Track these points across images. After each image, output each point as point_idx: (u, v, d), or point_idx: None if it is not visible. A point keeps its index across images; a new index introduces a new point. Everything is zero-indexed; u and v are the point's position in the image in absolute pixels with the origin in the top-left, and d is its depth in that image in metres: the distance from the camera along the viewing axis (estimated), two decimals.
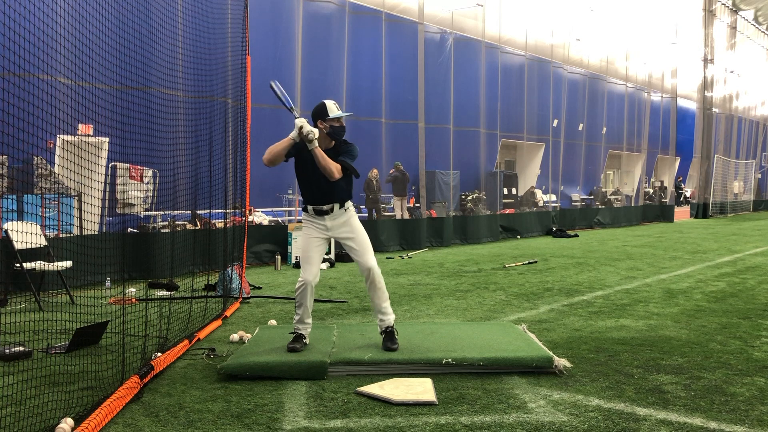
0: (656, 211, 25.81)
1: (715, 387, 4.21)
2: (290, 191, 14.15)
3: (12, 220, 7.62)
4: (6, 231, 7.16)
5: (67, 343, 5.18)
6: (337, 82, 14.17)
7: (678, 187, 32.33)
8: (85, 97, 4.45)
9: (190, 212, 10.23)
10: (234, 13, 8.11)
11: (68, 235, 8.28)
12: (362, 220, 5.25)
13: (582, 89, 22.61)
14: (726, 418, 3.65)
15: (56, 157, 7.52)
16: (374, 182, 15.25)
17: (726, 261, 11.52)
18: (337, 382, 4.34)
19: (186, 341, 5.24)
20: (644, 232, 19.34)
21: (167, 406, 3.89)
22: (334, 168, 4.78)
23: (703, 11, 28.47)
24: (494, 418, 3.67)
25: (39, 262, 7.28)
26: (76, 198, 7.72)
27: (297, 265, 11.02)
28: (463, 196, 17.94)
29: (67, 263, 7.31)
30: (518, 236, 17.56)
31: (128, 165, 8.20)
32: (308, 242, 4.97)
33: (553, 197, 21.29)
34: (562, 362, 4.56)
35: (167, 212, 9.78)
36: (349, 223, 4.97)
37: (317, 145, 4.75)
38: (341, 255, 11.64)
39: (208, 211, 8.80)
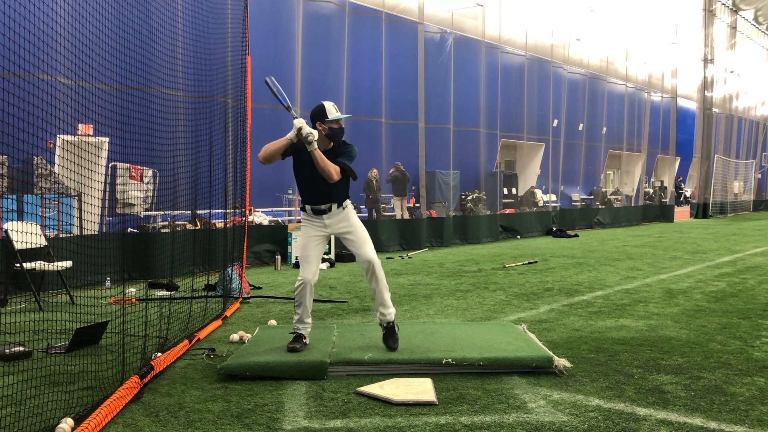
0: (656, 211, 25.81)
1: (715, 387, 4.21)
2: (290, 191, 14.15)
3: (12, 220, 7.62)
4: (6, 231, 7.16)
5: (67, 343, 5.18)
6: (337, 82, 14.17)
7: (678, 187, 32.34)
8: (85, 97, 4.45)
9: (190, 212, 10.23)
10: (234, 13, 8.11)
11: (68, 235, 8.27)
12: (362, 220, 5.24)
13: (582, 89, 22.61)
14: (726, 418, 3.65)
15: (56, 157, 7.52)
16: (374, 182, 15.25)
17: (726, 261, 11.52)
18: (337, 382, 4.34)
19: (186, 341, 5.24)
20: (644, 232, 19.34)
21: (167, 406, 3.89)
22: (333, 170, 4.77)
23: (703, 11, 28.47)
24: (494, 418, 3.67)
25: (39, 262, 7.28)
26: (76, 198, 7.71)
27: (297, 265, 11.01)
28: (463, 196, 17.94)
29: (67, 263, 7.31)
30: (518, 236, 17.56)
31: (128, 165, 8.20)
32: (307, 241, 4.97)
33: (553, 197, 21.29)
34: (562, 362, 4.56)
35: (167, 212, 9.78)
36: (347, 218, 4.98)
37: (316, 146, 4.75)
38: (341, 255, 11.65)
39: (208, 211, 8.81)
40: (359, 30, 15.09)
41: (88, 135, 5.22)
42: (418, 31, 15.48)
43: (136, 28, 5.65)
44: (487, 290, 8.35)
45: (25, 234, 7.22)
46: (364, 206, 15.40)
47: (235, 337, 5.55)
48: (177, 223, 10.51)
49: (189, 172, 7.52)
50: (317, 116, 4.89)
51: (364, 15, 15.34)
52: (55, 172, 7.97)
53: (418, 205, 16.09)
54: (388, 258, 12.21)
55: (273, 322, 6.24)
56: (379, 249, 12.81)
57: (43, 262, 7.28)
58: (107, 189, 7.88)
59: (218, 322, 6.24)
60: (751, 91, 35.59)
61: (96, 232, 6.66)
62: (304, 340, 4.88)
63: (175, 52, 6.98)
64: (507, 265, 10.90)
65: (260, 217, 13.17)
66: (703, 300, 7.48)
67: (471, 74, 17.53)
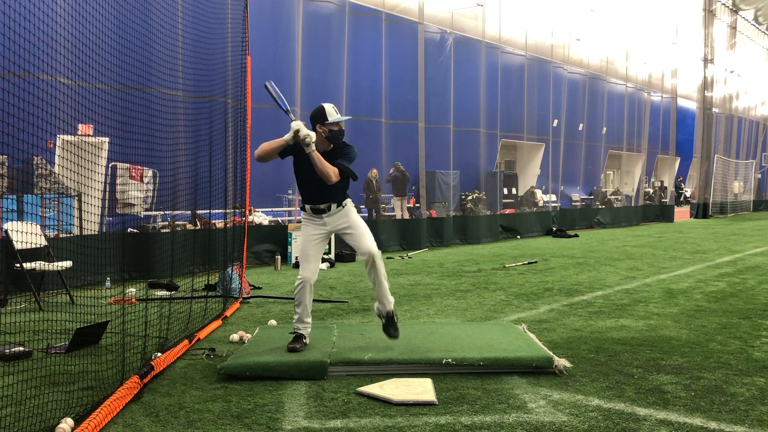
0: (656, 211, 25.81)
1: (715, 387, 4.21)
2: (290, 191, 14.15)
3: (12, 220, 7.61)
4: (6, 231, 7.16)
5: (67, 343, 5.18)
6: (337, 82, 14.17)
7: (678, 187, 32.33)
8: (85, 97, 4.45)
9: (190, 212, 10.23)
10: (234, 13, 8.11)
11: (68, 235, 8.27)
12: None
13: (582, 89, 22.60)
14: (726, 418, 3.65)
15: (56, 157, 7.52)
16: (374, 182, 15.25)
17: (726, 261, 11.52)
18: (337, 382, 4.34)
19: (186, 341, 5.24)
20: (644, 232, 19.34)
21: (167, 406, 3.89)
22: (331, 171, 4.77)
23: (703, 11, 28.47)
24: (494, 418, 3.67)
25: (39, 262, 7.28)
26: (76, 198, 7.71)
27: (297, 265, 11.00)
28: (463, 196, 17.94)
29: (67, 263, 7.31)
30: (518, 236, 17.56)
31: (128, 165, 8.20)
32: (307, 240, 4.98)
33: (553, 197, 21.29)
34: (562, 362, 4.56)
35: (167, 212, 9.78)
36: (346, 215, 4.98)
37: (314, 148, 4.76)
38: (341, 255, 11.65)
39: (208, 211, 8.81)
40: (359, 30, 15.08)
41: (88, 135, 5.22)
42: (418, 31, 15.48)
43: (136, 28, 5.65)
44: (487, 290, 8.35)
45: (25, 234, 7.22)
46: (364, 206, 15.39)
47: (235, 337, 5.55)
48: (177, 223, 10.50)
49: (189, 172, 7.52)
50: (317, 118, 4.88)
51: (364, 15, 15.34)
52: (55, 172, 7.97)
53: (418, 205, 16.09)
54: (388, 258, 12.21)
55: (273, 322, 6.24)
56: (379, 249, 12.80)
57: (43, 262, 7.28)
58: (107, 189, 7.88)
59: (218, 322, 6.24)
60: (751, 91, 35.59)
61: (96, 232, 6.66)
62: (304, 340, 4.88)
63: (175, 52, 6.98)
64: (507, 265, 10.90)
65: (260, 217, 13.17)
66: (703, 300, 7.48)
67: (471, 74, 17.52)
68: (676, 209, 27.09)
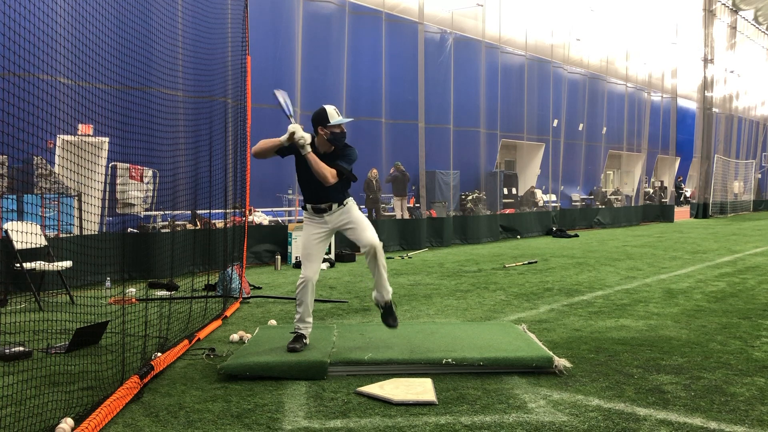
0: (656, 211, 25.81)
1: (715, 387, 4.21)
2: (290, 191, 14.14)
3: (12, 220, 7.61)
4: (6, 231, 7.16)
5: (67, 343, 5.18)
6: (337, 82, 14.17)
7: (678, 187, 32.33)
8: (85, 97, 4.45)
9: (190, 212, 10.23)
10: (234, 13, 8.11)
11: (68, 235, 8.27)
12: None
13: (582, 89, 22.60)
14: (726, 418, 3.65)
15: (56, 157, 7.52)
16: (374, 182, 15.25)
17: (726, 261, 11.52)
18: (337, 382, 4.34)
19: (186, 341, 5.24)
20: (644, 232, 19.34)
21: (167, 406, 3.89)
22: (328, 173, 4.77)
23: (703, 11, 28.47)
24: (494, 418, 3.67)
25: (39, 262, 7.28)
26: (76, 198, 7.71)
27: (297, 265, 11.02)
28: (463, 196, 17.94)
29: (67, 263, 7.31)
30: (518, 236, 17.56)
31: (128, 165, 8.20)
32: (309, 239, 4.98)
33: (553, 197, 21.29)
34: (562, 362, 4.56)
35: (167, 212, 9.78)
36: (347, 212, 4.98)
37: (310, 150, 4.76)
38: (341, 255, 11.65)
39: (208, 211, 8.80)
40: (359, 30, 15.08)
41: (88, 135, 5.22)
42: (418, 31, 15.48)
43: (136, 28, 5.65)
44: (487, 290, 8.35)
45: (25, 234, 7.22)
46: (364, 206, 15.39)
47: (235, 337, 5.55)
48: (177, 223, 10.50)
49: (189, 172, 7.52)
50: (319, 120, 4.87)
51: (364, 15, 15.34)
52: (55, 172, 7.97)
53: (418, 205, 16.09)
54: (388, 258, 12.20)
55: (273, 322, 6.24)
56: None
57: (43, 262, 7.28)
58: (107, 189, 7.88)
59: (218, 322, 6.24)
60: (751, 91, 35.58)
61: (96, 232, 6.67)
62: (305, 340, 4.88)
63: (175, 52, 6.98)
64: (507, 265, 10.90)
65: (260, 217, 13.17)
66: (703, 300, 7.48)
67: (471, 74, 17.52)
68: (676, 209, 27.09)
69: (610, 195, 26.11)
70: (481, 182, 18.19)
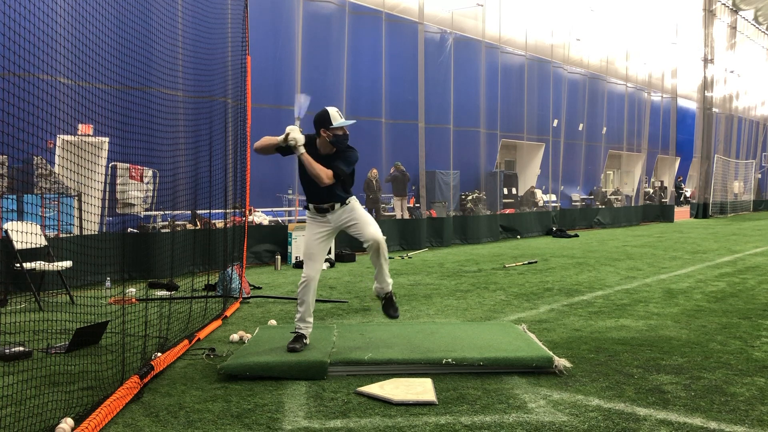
0: (656, 211, 25.81)
1: (715, 387, 4.21)
2: (290, 191, 14.14)
3: (12, 220, 7.61)
4: (6, 231, 7.15)
5: (67, 343, 5.18)
6: (337, 82, 14.17)
7: (678, 187, 32.33)
8: (85, 97, 4.45)
9: (190, 212, 10.23)
10: (234, 13, 8.11)
11: (68, 235, 8.27)
12: None
13: (582, 89, 22.60)
14: (726, 418, 3.65)
15: (56, 157, 7.52)
16: (374, 182, 15.25)
17: (726, 261, 11.52)
18: (337, 382, 4.34)
19: (186, 341, 5.24)
20: (644, 232, 19.34)
21: (167, 406, 3.89)
22: (323, 174, 4.78)
23: (703, 11, 28.47)
24: (494, 418, 3.67)
25: (39, 262, 7.28)
26: (76, 198, 7.71)
27: (297, 265, 11.02)
28: (463, 196, 17.94)
29: (67, 263, 7.31)
30: (518, 236, 17.56)
31: (128, 165, 8.20)
32: (311, 239, 4.99)
33: (553, 197, 21.29)
34: (562, 362, 4.56)
35: (167, 212, 9.77)
36: (349, 210, 4.98)
37: (303, 151, 4.77)
38: (341, 255, 11.64)
39: (208, 211, 8.80)
40: (359, 30, 15.08)
41: (88, 135, 5.22)
42: (418, 31, 15.48)
43: (136, 28, 5.64)
44: (487, 290, 8.35)
45: (25, 234, 7.22)
46: (364, 206, 15.34)
47: (235, 337, 5.55)
48: (177, 223, 10.50)
49: (189, 172, 7.52)
50: (321, 122, 4.85)
51: (364, 15, 15.33)
52: (55, 172, 7.97)
53: (418, 205, 16.09)
54: (388, 257, 12.20)
55: (273, 322, 6.24)
56: None
57: (43, 262, 7.28)
58: (107, 189, 7.88)
59: (218, 322, 6.24)
60: (751, 91, 35.58)
61: (96, 232, 6.66)
62: (305, 341, 4.88)
63: (175, 52, 6.98)
64: (507, 265, 10.90)
65: (260, 217, 13.17)
66: (703, 300, 7.48)
67: (471, 74, 17.52)
68: (676, 209, 27.09)
69: (610, 195, 26.11)
70: (481, 182, 18.19)
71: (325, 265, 10.66)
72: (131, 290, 8.01)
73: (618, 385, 4.25)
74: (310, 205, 5.01)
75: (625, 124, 25.05)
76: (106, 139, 5.93)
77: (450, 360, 4.53)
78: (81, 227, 8.20)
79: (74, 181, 4.66)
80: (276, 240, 11.70)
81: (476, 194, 17.98)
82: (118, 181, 8.46)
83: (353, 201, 5.02)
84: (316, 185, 4.90)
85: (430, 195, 16.17)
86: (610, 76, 24.18)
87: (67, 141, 4.76)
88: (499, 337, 5.18)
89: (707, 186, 28.62)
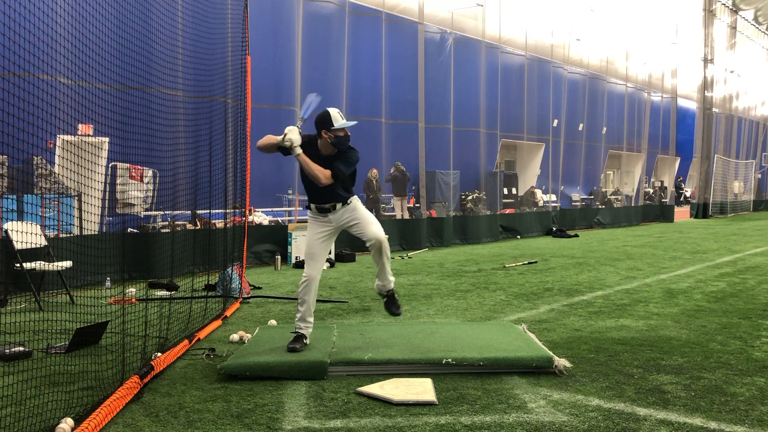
0: (656, 211, 25.81)
1: (715, 387, 4.21)
2: (290, 191, 14.14)
3: (12, 220, 7.61)
4: (6, 231, 7.16)
5: (67, 343, 5.18)
6: (337, 82, 14.17)
7: (678, 187, 32.32)
8: (85, 97, 4.45)
9: (190, 212, 10.23)
10: (234, 13, 8.11)
11: (68, 235, 8.27)
12: None
13: (582, 89, 22.60)
14: (726, 418, 3.65)
15: (56, 157, 7.52)
16: (374, 182, 15.25)
17: (726, 261, 11.52)
18: (337, 382, 4.34)
19: (186, 341, 5.24)
20: (644, 232, 19.34)
21: (167, 406, 3.89)
22: (321, 174, 4.78)
23: (703, 11, 28.47)
24: (494, 418, 3.67)
25: (39, 262, 7.28)
26: (76, 198, 7.71)
27: (297, 265, 11.02)
28: (463, 196, 17.94)
29: (67, 263, 7.31)
30: (518, 236, 17.56)
31: (128, 165, 8.20)
32: (312, 238, 4.98)
33: (553, 197, 21.29)
34: (562, 362, 4.56)
35: (167, 212, 9.77)
36: (351, 210, 4.97)
37: (299, 152, 4.77)
38: (341, 255, 11.64)
39: (208, 211, 8.80)
40: (359, 30, 15.08)
41: (88, 135, 5.22)
42: (418, 31, 15.48)
43: (136, 28, 5.64)
44: (487, 290, 8.35)
45: (25, 234, 7.22)
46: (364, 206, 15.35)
47: (235, 337, 5.55)
48: (177, 223, 10.50)
49: (189, 172, 7.52)
50: (323, 124, 4.85)
51: (364, 15, 15.34)
52: (55, 172, 7.97)
53: (418, 205, 16.09)
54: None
55: (273, 322, 6.24)
56: None
57: (43, 262, 7.28)
58: (107, 189, 7.88)
59: (218, 322, 6.24)
60: (751, 91, 35.58)
61: (96, 232, 6.66)
62: (305, 341, 4.88)
63: (175, 52, 6.98)
64: (507, 265, 10.90)
65: (260, 217, 13.16)
66: (703, 300, 7.48)
67: (471, 74, 17.52)
68: (676, 209, 27.09)
69: (610, 195, 26.11)
70: (481, 182, 18.19)
71: (325, 265, 10.65)
72: (131, 290, 8.01)
73: (618, 385, 4.25)
74: (312, 205, 5.01)
75: (625, 124, 25.05)
76: (106, 139, 5.93)
77: (450, 360, 4.53)
78: (81, 227, 8.20)
79: (74, 181, 4.66)
80: (276, 240, 11.70)
81: (476, 194, 17.98)
82: (118, 181, 8.46)
83: (355, 201, 5.02)
84: (317, 185, 4.90)
85: (430, 195, 16.17)
86: (610, 76, 24.18)
87: (67, 141, 4.76)
88: (499, 337, 5.18)
89: (707, 186, 28.63)
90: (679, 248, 13.94)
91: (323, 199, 4.94)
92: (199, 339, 5.52)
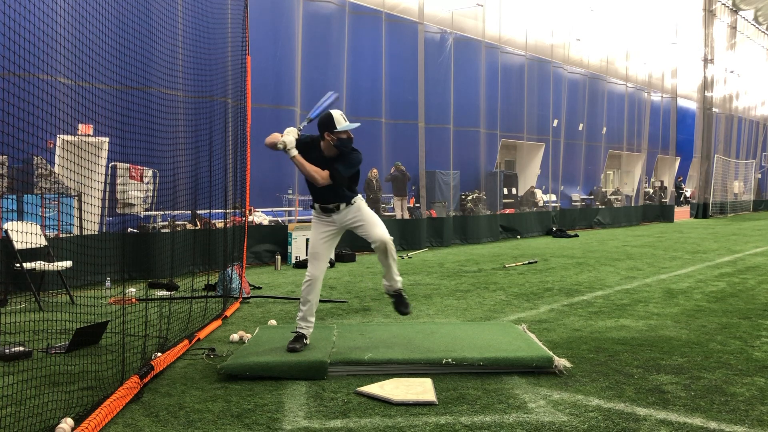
0: (656, 211, 25.81)
1: (715, 387, 4.21)
2: (290, 191, 14.15)
3: (12, 220, 7.61)
4: (6, 231, 7.16)
5: (67, 343, 5.18)
6: (337, 82, 14.17)
7: (678, 187, 32.33)
8: (85, 97, 4.45)
9: (190, 212, 10.23)
10: (234, 13, 8.11)
11: (68, 235, 8.27)
12: None
13: (582, 89, 22.60)
14: (726, 418, 3.65)
15: (56, 157, 7.52)
16: (374, 182, 15.25)
17: (726, 261, 11.52)
18: (337, 382, 4.34)
19: (186, 341, 5.24)
20: (644, 232, 19.34)
21: (167, 406, 3.89)
22: (318, 175, 4.78)
23: (703, 11, 28.47)
24: (494, 418, 3.67)
25: (39, 262, 7.28)
26: (76, 198, 7.72)
27: (297, 265, 11.02)
28: (463, 196, 17.94)
29: (67, 263, 7.31)
30: (518, 236, 17.56)
31: (128, 165, 8.20)
32: (316, 238, 4.99)
33: (553, 197, 21.29)
34: (562, 362, 4.56)
35: (167, 212, 9.77)
36: (355, 210, 4.96)
37: (295, 154, 4.77)
38: (341, 255, 11.64)
39: (208, 211, 8.80)
40: (359, 30, 15.09)
41: (88, 135, 5.22)
42: (418, 31, 15.48)
43: (136, 28, 5.65)
44: (487, 290, 8.35)
45: (25, 234, 7.22)
46: None
47: (235, 337, 5.55)
48: (177, 223, 10.50)
49: (189, 172, 7.52)
50: (326, 126, 4.84)
51: (364, 15, 15.34)
52: (55, 172, 7.97)
53: (418, 205, 16.09)
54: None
55: (273, 322, 6.24)
56: None
57: (43, 262, 7.28)
58: (107, 189, 7.88)
59: (218, 322, 6.24)
60: (751, 91, 35.58)
61: (96, 232, 6.67)
62: (305, 341, 4.88)
63: (175, 52, 6.98)
64: (507, 265, 10.90)
65: (260, 217, 13.17)
66: (703, 300, 7.48)
67: (471, 74, 17.52)
68: (676, 209, 27.09)
69: (610, 195, 26.11)
70: (481, 182, 18.19)
71: None
72: (131, 290, 8.01)
73: (618, 385, 4.25)
74: (316, 205, 5.01)
75: (625, 124, 25.05)
76: (106, 139, 5.93)
77: (450, 360, 4.53)
78: (81, 227, 8.20)
79: (74, 181, 4.66)
80: (276, 240, 11.70)
81: (476, 194, 17.98)
82: (118, 181, 8.46)
83: (359, 201, 5.01)
84: (320, 186, 4.90)
85: (430, 195, 16.17)
86: (610, 76, 24.19)
87: (67, 141, 4.76)
88: (499, 337, 5.18)
89: (707, 186, 28.63)
90: (679, 248, 13.94)
91: (327, 199, 4.94)
92: (199, 339, 5.52)
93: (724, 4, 30.16)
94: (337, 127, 4.81)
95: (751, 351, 5.14)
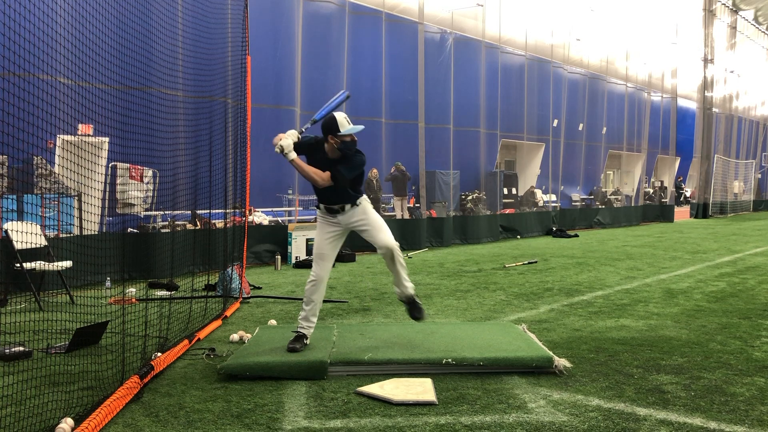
0: (656, 211, 25.82)
1: (715, 387, 4.21)
2: (290, 191, 14.14)
3: (12, 220, 7.61)
4: (6, 231, 7.16)
5: (67, 343, 5.18)
6: (337, 82, 14.17)
7: (678, 187, 32.33)
8: (85, 97, 4.45)
9: (190, 212, 10.23)
10: (234, 13, 8.11)
11: (68, 235, 8.27)
12: None
13: (582, 89, 22.60)
14: (726, 418, 3.65)
15: (56, 157, 7.52)
16: (374, 182, 15.26)
17: (726, 261, 11.52)
18: (337, 382, 4.34)
19: (186, 341, 5.24)
20: (644, 232, 19.34)
21: (167, 406, 3.89)
22: (317, 177, 4.79)
23: (703, 11, 28.47)
24: (494, 418, 3.67)
25: (39, 262, 7.28)
26: (76, 198, 7.72)
27: (297, 266, 11.03)
28: (463, 196, 17.94)
29: (67, 263, 7.31)
30: (518, 236, 17.56)
31: (128, 165, 8.20)
32: (321, 239, 4.98)
33: (553, 197, 21.29)
34: (562, 362, 4.56)
35: (167, 212, 9.78)
36: (360, 212, 4.96)
37: (294, 157, 4.77)
38: (341, 255, 11.63)
39: (208, 211, 8.80)
40: (359, 30, 15.09)
41: (88, 135, 5.22)
42: (418, 31, 15.48)
43: (136, 28, 5.65)
44: (487, 290, 8.35)
45: (25, 234, 7.22)
46: None
47: (235, 337, 5.55)
48: (177, 223, 10.51)
49: (189, 172, 7.52)
50: (329, 129, 4.84)
51: (364, 15, 15.34)
52: (55, 172, 7.97)
53: (418, 205, 16.09)
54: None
55: (273, 322, 6.24)
56: None
57: (43, 262, 7.28)
58: (107, 189, 7.88)
59: (218, 322, 6.24)
60: (751, 91, 35.59)
61: (96, 232, 6.67)
62: (305, 341, 4.88)
63: (175, 52, 6.98)
64: (507, 265, 10.90)
65: (260, 217, 13.17)
66: (703, 300, 7.48)
67: (471, 74, 17.52)
68: (676, 209, 27.10)
69: (610, 195, 26.12)
70: (481, 182, 18.19)
71: None
72: (131, 290, 8.01)
73: (618, 385, 4.25)
74: (321, 206, 5.01)
75: (625, 124, 25.05)
76: (106, 139, 5.93)
77: (450, 360, 4.53)
78: (81, 227, 8.21)
79: (74, 181, 4.66)
80: (276, 240, 11.70)
81: (476, 194, 17.98)
82: (118, 181, 8.46)
83: (364, 202, 4.99)
84: (326, 186, 4.90)
85: (430, 195, 16.17)
86: (610, 76, 24.19)
87: (67, 141, 4.76)
88: (499, 337, 5.18)
89: (707, 186, 28.63)
90: (679, 248, 13.94)
91: (331, 200, 4.93)
92: (199, 339, 5.52)
93: (724, 4, 30.16)
94: (341, 130, 4.80)
95: (751, 351, 5.14)
